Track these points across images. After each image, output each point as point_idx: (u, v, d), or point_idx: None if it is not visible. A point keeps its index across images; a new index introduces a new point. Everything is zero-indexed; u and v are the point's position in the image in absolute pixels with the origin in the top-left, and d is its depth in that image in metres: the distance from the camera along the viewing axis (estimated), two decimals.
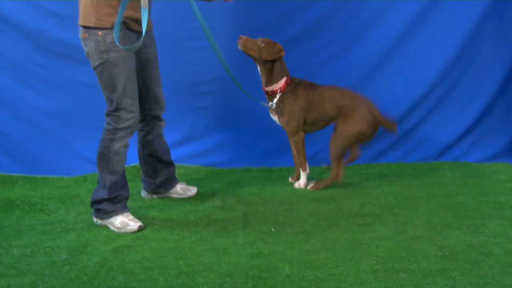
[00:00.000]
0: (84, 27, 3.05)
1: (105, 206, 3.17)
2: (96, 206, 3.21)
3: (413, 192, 3.55)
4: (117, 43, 2.97)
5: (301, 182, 3.80)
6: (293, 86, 3.70)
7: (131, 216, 3.20)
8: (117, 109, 3.09)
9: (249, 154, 4.44)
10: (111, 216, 3.17)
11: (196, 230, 3.10)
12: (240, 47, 3.64)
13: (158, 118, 3.52)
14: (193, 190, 3.73)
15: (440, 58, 4.26)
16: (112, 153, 3.13)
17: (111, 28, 3.01)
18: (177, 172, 3.82)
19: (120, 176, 3.19)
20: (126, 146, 3.18)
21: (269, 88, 3.70)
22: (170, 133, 3.75)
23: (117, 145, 3.12)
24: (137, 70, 3.24)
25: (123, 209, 3.21)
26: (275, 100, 3.68)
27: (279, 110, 3.71)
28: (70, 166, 4.33)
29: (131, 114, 3.13)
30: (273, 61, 3.65)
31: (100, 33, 3.01)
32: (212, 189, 3.87)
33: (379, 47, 4.28)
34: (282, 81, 3.68)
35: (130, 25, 3.11)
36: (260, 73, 3.73)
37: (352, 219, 3.12)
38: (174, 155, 3.77)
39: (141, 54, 3.27)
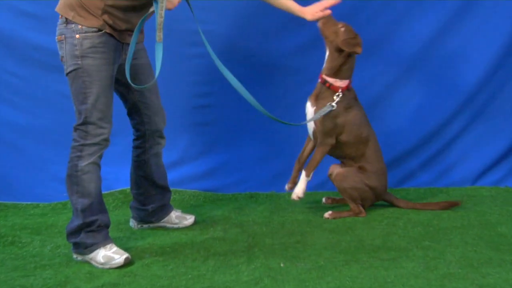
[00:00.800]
0: (62, 18, 3.12)
1: (83, 238, 3.17)
2: (73, 239, 3.20)
3: (445, 222, 3.54)
4: (129, 82, 3.08)
5: (299, 189, 3.76)
6: (351, 93, 3.77)
7: (115, 248, 3.18)
8: (85, 123, 3.12)
9: (254, 177, 4.46)
10: (91, 251, 3.16)
11: (193, 266, 3.08)
12: (318, 24, 3.68)
13: (160, 134, 3.56)
14: (190, 219, 3.73)
15: (475, 69, 4.29)
16: (79, 172, 3.14)
17: (93, 31, 3.07)
18: (172, 198, 3.81)
19: (94, 199, 3.18)
20: (96, 164, 3.18)
21: (331, 80, 3.72)
22: (164, 152, 3.73)
23: (84, 163, 3.13)
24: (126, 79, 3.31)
25: (105, 240, 3.20)
26: (336, 100, 3.69)
27: (322, 104, 3.72)
28: (47, 191, 4.33)
29: (100, 130, 3.15)
30: (347, 55, 3.68)
31: (77, 36, 3.06)
32: (212, 217, 3.87)
33: (401, 57, 4.31)
34: (346, 82, 3.73)
35: (117, 35, 3.17)
36: (326, 59, 3.75)
37: (374, 253, 3.10)
38: (168, 178, 3.76)
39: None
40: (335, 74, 3.72)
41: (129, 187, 3.69)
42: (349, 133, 3.75)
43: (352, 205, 3.76)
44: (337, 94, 3.70)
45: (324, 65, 3.76)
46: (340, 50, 3.67)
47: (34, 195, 4.33)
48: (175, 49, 4.21)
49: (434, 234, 3.34)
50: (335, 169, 3.87)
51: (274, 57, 4.32)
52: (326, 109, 3.66)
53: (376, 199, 3.83)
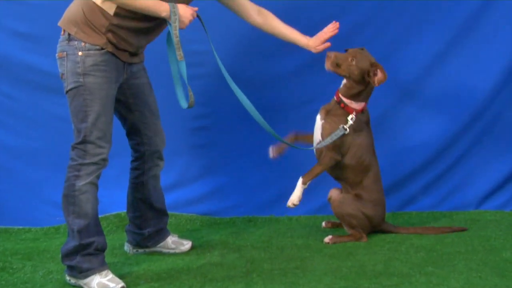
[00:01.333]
0: (64, 34, 3.12)
1: (79, 262, 3.13)
2: (68, 262, 3.17)
3: (449, 247, 3.51)
4: (182, 105, 3.30)
5: (295, 196, 3.68)
6: (365, 117, 3.75)
7: (111, 275, 3.15)
8: (84, 141, 3.11)
9: (252, 201, 4.43)
10: (86, 276, 3.13)
11: None
12: (328, 67, 3.65)
13: (159, 155, 3.56)
14: (187, 245, 3.71)
15: (477, 91, 4.28)
16: (77, 192, 3.11)
17: (97, 49, 3.08)
18: (168, 222, 3.80)
19: (91, 220, 3.16)
20: (94, 184, 3.17)
21: (346, 101, 3.70)
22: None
23: (82, 183, 3.11)
24: (128, 98, 3.37)
25: (101, 266, 3.17)
26: (350, 121, 3.66)
27: (330, 124, 3.70)
28: (39, 215, 4.31)
29: (99, 149, 3.14)
30: (367, 82, 3.65)
31: (80, 53, 3.07)
32: (209, 242, 3.84)
33: (401, 80, 4.30)
34: (362, 105, 3.71)
35: (119, 53, 3.18)
36: (344, 81, 3.72)
37: (375, 279, 3.07)
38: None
39: (128, 81, 3.34)
40: (352, 96, 3.70)
41: (124, 210, 3.70)
42: (353, 156, 3.71)
43: (351, 231, 3.72)
44: (351, 117, 3.68)
45: (342, 85, 3.73)
46: (361, 81, 3.64)
47: (26, 219, 4.31)
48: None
49: (438, 260, 3.31)
50: (334, 194, 3.83)
51: (274, 78, 4.33)
52: (339, 133, 3.64)
53: (373, 228, 3.78)
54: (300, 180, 3.70)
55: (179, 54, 3.21)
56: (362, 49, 3.68)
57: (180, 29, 3.20)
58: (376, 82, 3.60)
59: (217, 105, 4.26)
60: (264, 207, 4.40)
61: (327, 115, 3.74)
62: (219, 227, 4.20)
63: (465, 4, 4.20)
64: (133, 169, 3.56)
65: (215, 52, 3.39)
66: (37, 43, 4.09)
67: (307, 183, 3.71)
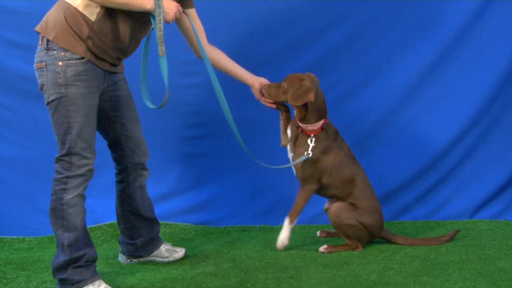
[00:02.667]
0: (42, 42, 3.10)
1: (70, 275, 3.11)
2: (60, 276, 3.15)
3: (443, 257, 3.51)
4: (147, 103, 3.26)
5: (284, 236, 3.71)
6: (328, 133, 3.72)
7: (103, 285, 3.14)
8: (69, 153, 3.08)
9: (247, 210, 4.44)
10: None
11: None
12: (264, 99, 3.71)
13: (142, 166, 3.53)
14: (180, 252, 3.69)
15: (475, 96, 4.30)
16: (65, 206, 3.09)
17: (77, 59, 3.05)
18: (162, 232, 3.80)
19: (81, 233, 3.14)
20: (81, 196, 3.15)
21: (303, 126, 3.70)
22: (153, 185, 3.74)
23: (70, 196, 3.09)
24: (108, 110, 3.33)
25: (93, 277, 3.15)
26: (310, 146, 3.65)
27: (299, 151, 3.70)
28: (33, 224, 4.30)
29: (85, 160, 3.11)
30: (305, 104, 3.63)
31: (60, 63, 3.04)
32: (203, 251, 3.84)
33: (401, 84, 4.32)
34: (319, 124, 3.69)
35: (99, 62, 3.15)
36: (294, 110, 3.73)
37: None
38: (158, 211, 3.75)
39: (108, 93, 3.32)
40: (304, 120, 3.69)
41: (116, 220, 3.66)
42: (329, 176, 3.71)
43: (347, 241, 3.72)
44: (310, 139, 3.67)
45: (295, 112, 3.74)
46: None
47: (20, 229, 4.29)
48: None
49: (432, 269, 3.31)
50: (330, 204, 3.83)
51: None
52: (303, 158, 3.64)
53: (371, 238, 3.78)
54: (287, 220, 3.71)
55: (161, 49, 3.17)
56: (305, 74, 3.68)
57: (166, 22, 3.18)
58: (311, 96, 3.55)
59: (211, 114, 4.27)
60: (259, 217, 4.40)
61: (294, 146, 3.75)
62: (214, 236, 4.19)
63: (462, 9, 4.22)
64: (118, 182, 3.53)
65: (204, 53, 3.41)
66: (31, 53, 4.07)
67: (294, 222, 3.73)
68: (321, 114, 3.69)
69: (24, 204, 4.33)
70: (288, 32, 4.27)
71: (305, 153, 3.65)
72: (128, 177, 3.50)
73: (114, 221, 3.72)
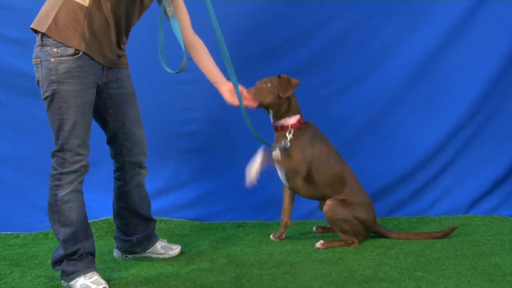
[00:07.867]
0: (36, 32, 3.09)
1: (64, 266, 3.14)
2: (58, 267, 3.19)
3: (438, 252, 3.52)
4: (166, 68, 3.28)
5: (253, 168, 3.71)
6: (308, 127, 3.76)
7: (95, 277, 3.13)
8: (62, 149, 3.09)
9: (242, 206, 4.45)
10: (72, 279, 3.13)
11: None
12: (250, 105, 3.66)
13: (139, 165, 3.52)
14: (176, 249, 3.70)
15: (469, 92, 4.31)
16: (59, 202, 3.11)
17: (69, 55, 3.04)
18: (158, 227, 3.80)
19: (77, 227, 3.15)
20: (77, 192, 3.15)
21: (280, 123, 3.73)
22: (148, 180, 3.72)
23: (64, 192, 3.10)
24: (108, 107, 3.31)
25: (87, 268, 3.15)
26: (288, 138, 3.70)
27: (284, 151, 3.72)
28: (28, 220, 4.31)
29: (78, 157, 3.11)
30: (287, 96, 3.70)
31: (52, 59, 3.03)
32: (199, 247, 3.84)
33: (395, 80, 4.33)
34: (295, 118, 3.73)
35: (95, 55, 3.13)
36: (271, 114, 3.75)
37: (365, 285, 3.06)
38: (153, 207, 3.74)
39: (109, 90, 3.30)
40: (284, 114, 3.73)
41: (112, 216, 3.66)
42: (318, 171, 3.72)
43: (343, 236, 3.73)
44: (289, 130, 3.70)
45: (271, 117, 3.76)
46: (280, 97, 3.67)
47: (14, 225, 4.30)
48: (160, 75, 4.17)
49: (427, 265, 3.32)
50: (323, 202, 3.83)
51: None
52: (281, 145, 3.69)
53: (367, 233, 3.79)
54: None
55: (170, 10, 3.19)
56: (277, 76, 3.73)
57: None
58: (295, 81, 3.66)
59: (205, 110, 4.27)
60: (254, 212, 4.41)
61: (275, 143, 3.77)
62: (209, 232, 4.19)
63: (454, 7, 4.24)
64: (116, 179, 3.53)
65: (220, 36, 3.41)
66: (26, 48, 4.06)
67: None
68: (297, 106, 3.76)
69: (19, 200, 4.33)
70: (279, 31, 4.28)
71: (283, 141, 3.69)
72: (126, 175, 3.50)
73: (109, 217, 3.73)
